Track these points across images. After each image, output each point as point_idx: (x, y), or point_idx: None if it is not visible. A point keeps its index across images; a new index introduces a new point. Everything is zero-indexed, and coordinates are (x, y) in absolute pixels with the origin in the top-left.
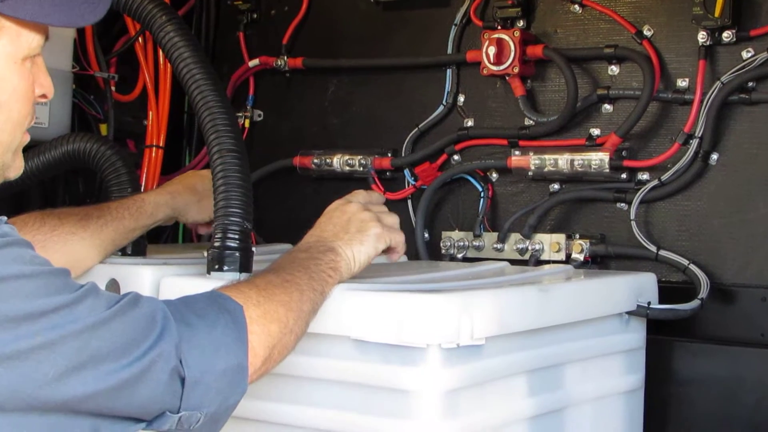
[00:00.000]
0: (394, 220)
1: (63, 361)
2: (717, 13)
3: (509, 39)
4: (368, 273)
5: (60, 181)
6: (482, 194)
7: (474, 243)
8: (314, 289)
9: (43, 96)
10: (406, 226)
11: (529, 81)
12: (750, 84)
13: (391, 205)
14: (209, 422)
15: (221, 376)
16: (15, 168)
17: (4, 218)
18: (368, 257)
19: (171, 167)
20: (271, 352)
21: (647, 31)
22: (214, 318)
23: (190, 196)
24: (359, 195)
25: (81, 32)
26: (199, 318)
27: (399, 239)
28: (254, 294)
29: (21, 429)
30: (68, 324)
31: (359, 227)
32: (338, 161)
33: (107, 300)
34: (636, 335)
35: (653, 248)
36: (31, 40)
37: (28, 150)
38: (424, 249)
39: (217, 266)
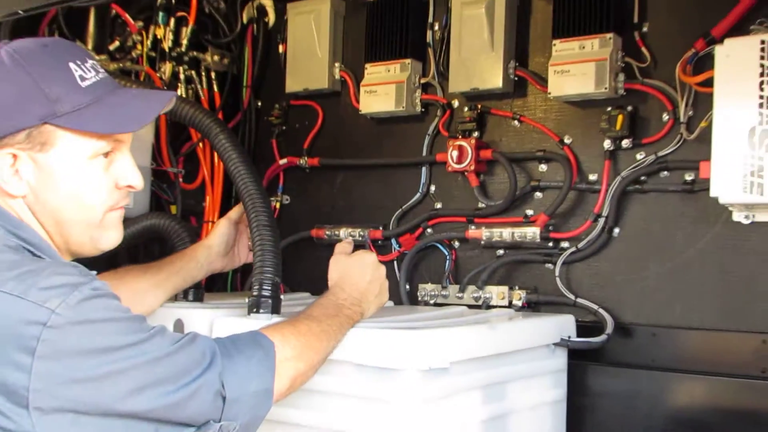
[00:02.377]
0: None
1: (132, 383)
2: (618, 127)
3: (467, 145)
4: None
5: (141, 246)
6: (447, 257)
7: (442, 293)
8: (337, 339)
9: (130, 186)
10: (392, 280)
11: (481, 175)
12: (642, 178)
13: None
14: (242, 430)
15: (253, 396)
16: (108, 239)
17: (94, 273)
18: (372, 314)
19: None
20: (294, 382)
21: (567, 139)
22: (251, 353)
23: (214, 240)
24: (372, 256)
25: (157, 138)
26: (240, 352)
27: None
28: (293, 338)
29: (101, 428)
30: (139, 356)
31: (380, 293)
32: (344, 233)
33: (172, 338)
34: (560, 360)
35: (572, 297)
36: (92, 143)
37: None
38: (405, 297)
39: (255, 309)
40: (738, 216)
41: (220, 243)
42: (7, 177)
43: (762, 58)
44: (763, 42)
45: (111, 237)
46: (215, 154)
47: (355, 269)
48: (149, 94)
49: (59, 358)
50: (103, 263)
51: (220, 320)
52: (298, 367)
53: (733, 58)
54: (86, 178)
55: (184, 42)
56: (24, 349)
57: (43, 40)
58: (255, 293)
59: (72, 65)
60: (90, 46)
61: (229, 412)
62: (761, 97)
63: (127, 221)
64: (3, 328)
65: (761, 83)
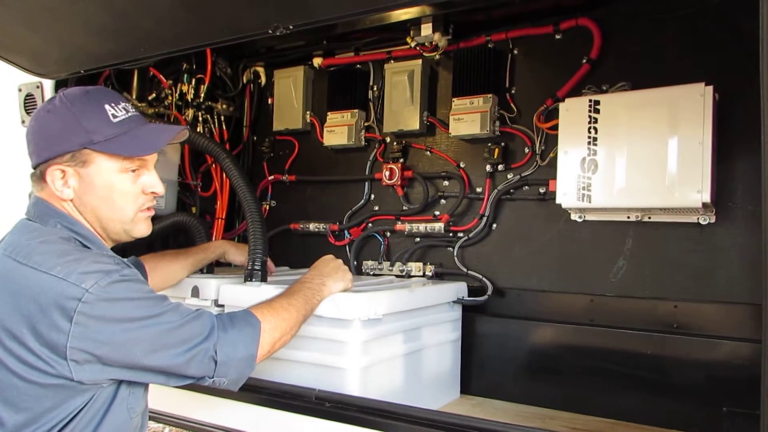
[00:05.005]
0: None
1: (148, 346)
2: (495, 157)
3: (396, 167)
4: None
5: (171, 235)
6: (382, 243)
7: (378, 267)
8: (307, 310)
9: (154, 193)
10: (345, 258)
11: (405, 188)
12: (511, 191)
13: (336, 249)
14: (231, 384)
15: (239, 361)
16: (139, 231)
17: (127, 261)
18: (338, 291)
19: (228, 229)
20: (273, 346)
21: (462, 164)
22: (242, 327)
23: (231, 248)
24: (339, 261)
25: (182, 160)
26: (233, 327)
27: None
28: (270, 315)
29: (124, 374)
30: (155, 326)
31: (341, 275)
32: (312, 226)
33: (181, 314)
34: (457, 312)
35: (465, 270)
36: (120, 162)
37: (155, 219)
38: (354, 270)
39: (249, 279)
40: (574, 216)
41: (235, 255)
42: (59, 186)
43: (590, 111)
44: (590, 101)
45: (141, 229)
46: (223, 172)
47: (322, 263)
48: (164, 128)
49: (89, 324)
50: (143, 248)
51: (224, 286)
52: (274, 335)
53: (571, 112)
54: (115, 186)
55: (202, 95)
56: (65, 317)
57: (87, 87)
58: (249, 267)
59: (107, 106)
60: (134, 96)
61: (219, 371)
62: (589, 137)
63: (160, 218)
64: (50, 301)
65: (589, 128)
